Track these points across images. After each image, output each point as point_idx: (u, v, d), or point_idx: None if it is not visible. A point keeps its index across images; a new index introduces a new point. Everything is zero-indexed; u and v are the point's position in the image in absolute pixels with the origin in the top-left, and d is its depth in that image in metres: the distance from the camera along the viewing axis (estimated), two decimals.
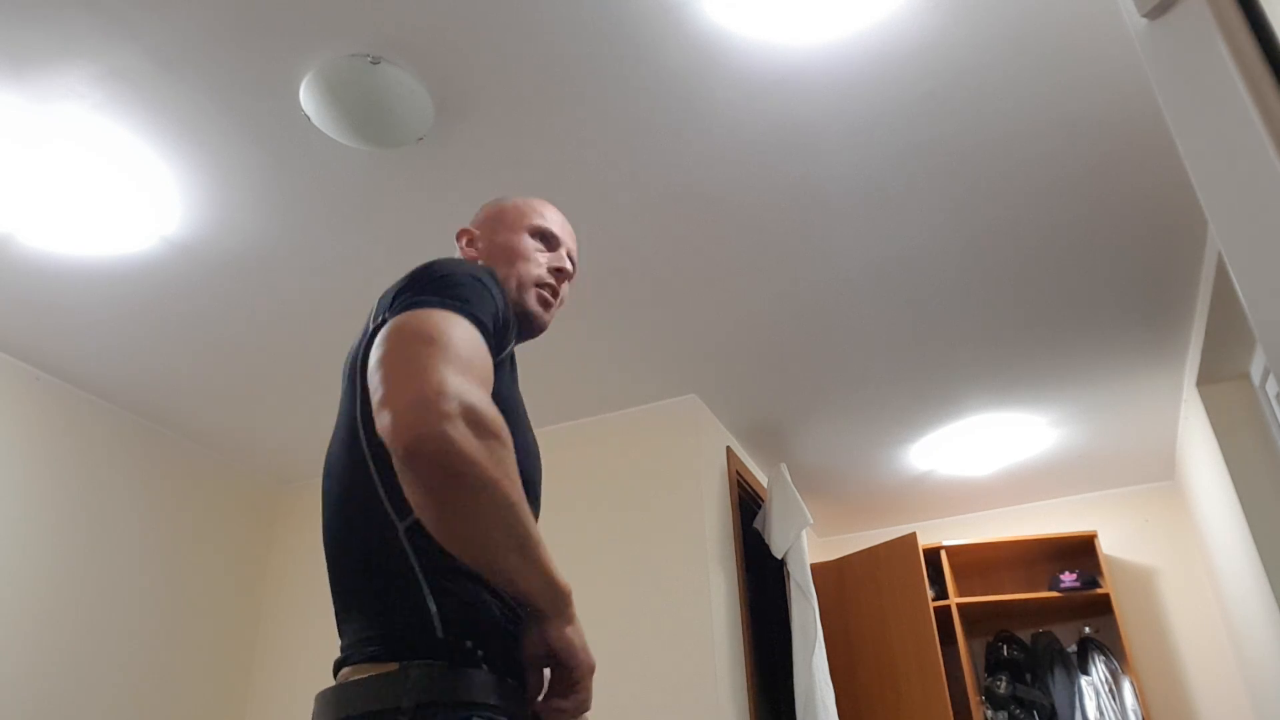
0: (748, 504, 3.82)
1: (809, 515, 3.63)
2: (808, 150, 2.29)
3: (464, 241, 1.37)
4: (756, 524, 3.76)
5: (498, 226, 1.36)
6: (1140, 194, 2.49)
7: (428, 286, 1.06)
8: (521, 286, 1.30)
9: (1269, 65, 0.82)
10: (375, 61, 1.95)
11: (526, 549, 0.94)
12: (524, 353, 3.05)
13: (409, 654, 0.96)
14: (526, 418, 1.20)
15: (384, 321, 1.03)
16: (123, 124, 2.10)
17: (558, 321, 2.95)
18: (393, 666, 0.95)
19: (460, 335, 0.99)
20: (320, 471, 3.99)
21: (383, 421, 0.90)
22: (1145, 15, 0.97)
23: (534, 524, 0.96)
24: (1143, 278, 2.87)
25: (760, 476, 4.09)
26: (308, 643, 3.65)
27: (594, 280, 2.76)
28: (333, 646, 3.61)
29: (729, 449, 3.68)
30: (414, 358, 0.93)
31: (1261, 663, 3.47)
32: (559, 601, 0.98)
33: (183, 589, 3.45)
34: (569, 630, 0.99)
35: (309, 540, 3.89)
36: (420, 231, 2.52)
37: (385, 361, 0.95)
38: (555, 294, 1.34)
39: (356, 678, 0.97)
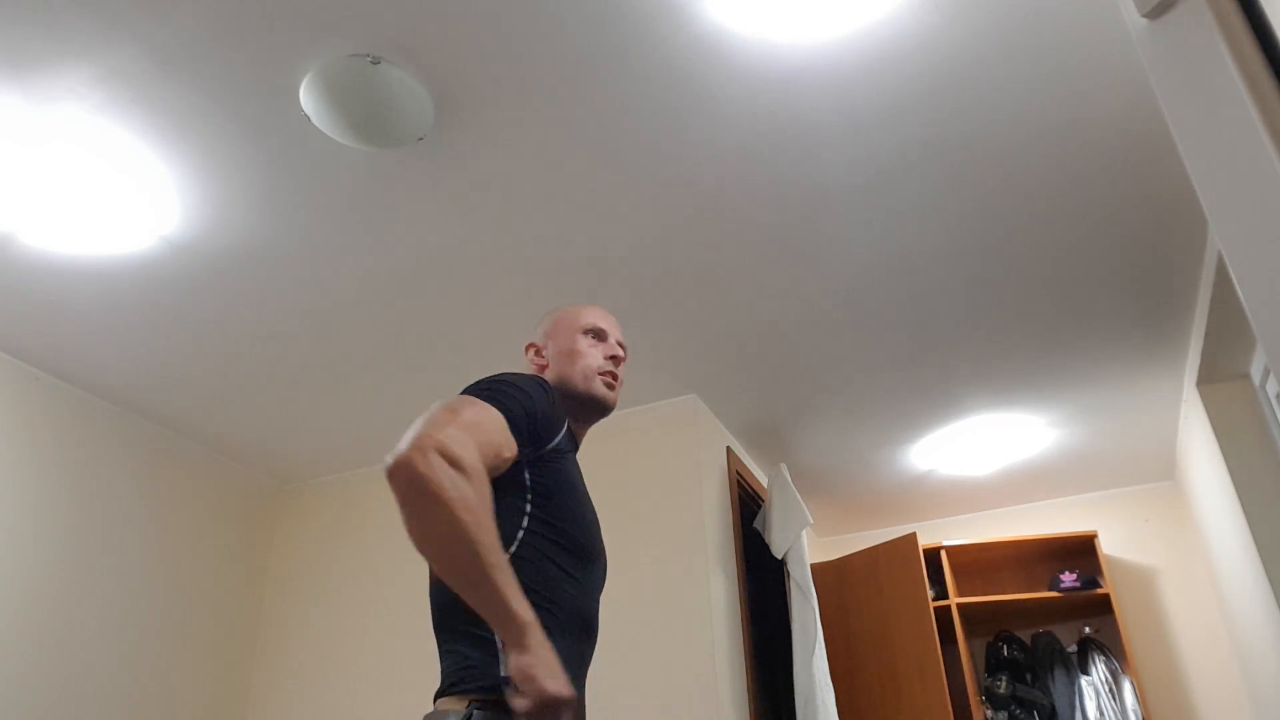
0: (748, 504, 3.82)
1: (809, 515, 3.63)
2: (808, 150, 2.29)
3: (531, 353, 1.68)
4: (756, 524, 3.75)
5: (556, 335, 1.65)
6: (1140, 194, 2.48)
7: (475, 385, 1.40)
8: (587, 378, 1.59)
9: (1269, 65, 0.82)
10: (375, 61, 1.95)
11: (478, 575, 1.12)
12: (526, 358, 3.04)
13: (476, 692, 1.22)
14: (587, 498, 1.49)
15: None
16: (122, 124, 2.10)
17: None
18: (461, 704, 1.21)
19: (475, 411, 1.28)
20: (319, 471, 4.00)
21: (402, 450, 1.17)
22: (1145, 15, 0.97)
23: (494, 554, 1.13)
24: (1143, 278, 2.87)
25: (760, 476, 4.09)
26: (308, 643, 3.65)
27: (594, 280, 2.76)
28: (332, 647, 3.62)
29: (729, 449, 3.68)
30: (430, 418, 1.21)
31: (1261, 663, 3.46)
32: (513, 632, 1.12)
33: (183, 589, 3.45)
34: (525, 659, 1.11)
35: (309, 540, 3.90)
36: (420, 231, 2.52)
37: (417, 420, 1.23)
38: (615, 377, 1.63)
39: (432, 709, 1.26)
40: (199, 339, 2.95)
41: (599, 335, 1.65)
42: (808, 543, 3.94)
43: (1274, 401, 2.98)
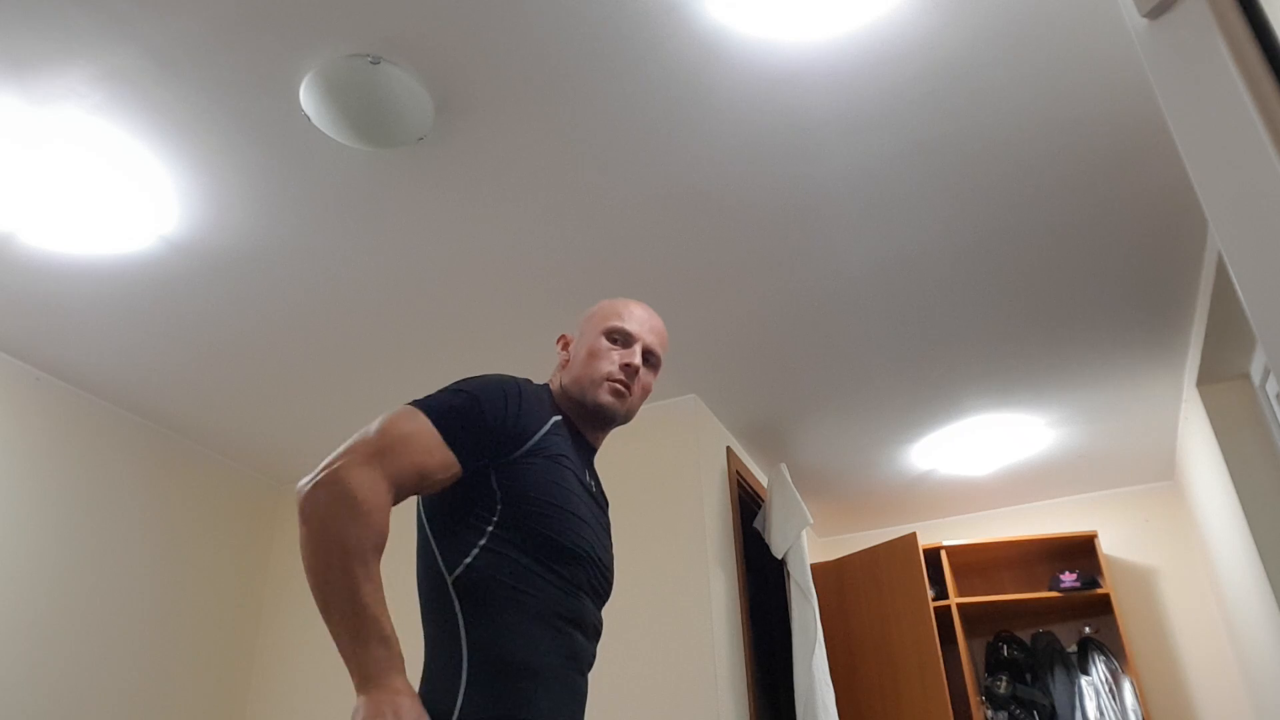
0: (748, 504, 3.82)
1: (809, 515, 3.63)
2: (808, 150, 2.29)
3: (559, 346, 1.61)
4: (756, 524, 3.75)
5: (584, 330, 1.58)
6: (1140, 194, 2.48)
7: (431, 395, 1.35)
8: (592, 384, 1.50)
9: (1269, 65, 0.82)
10: (375, 61, 1.95)
11: (333, 611, 1.14)
12: (527, 358, 3.05)
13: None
14: (580, 499, 1.40)
15: None
16: (122, 124, 2.10)
17: (558, 323, 2.95)
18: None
19: (404, 431, 1.27)
20: None
21: (311, 475, 1.22)
22: (1145, 15, 0.97)
23: (356, 595, 1.14)
24: (1143, 278, 2.87)
25: (760, 476, 4.09)
26: (308, 642, 3.65)
27: (594, 280, 2.76)
28: (332, 647, 3.60)
29: (729, 449, 3.68)
30: (352, 442, 1.24)
31: (1261, 663, 3.46)
32: (355, 675, 1.13)
33: (183, 589, 3.45)
34: (362, 703, 1.11)
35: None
36: (420, 231, 2.52)
37: (353, 439, 1.26)
38: (627, 386, 1.52)
39: None
40: (199, 339, 2.95)
41: (623, 339, 1.54)
42: (808, 543, 3.94)
43: (1274, 401, 2.98)
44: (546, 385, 1.55)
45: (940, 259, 2.73)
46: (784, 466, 3.74)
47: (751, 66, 2.03)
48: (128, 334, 2.90)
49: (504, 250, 2.61)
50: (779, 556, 3.59)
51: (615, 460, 3.46)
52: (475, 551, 1.28)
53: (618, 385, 1.50)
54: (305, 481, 1.21)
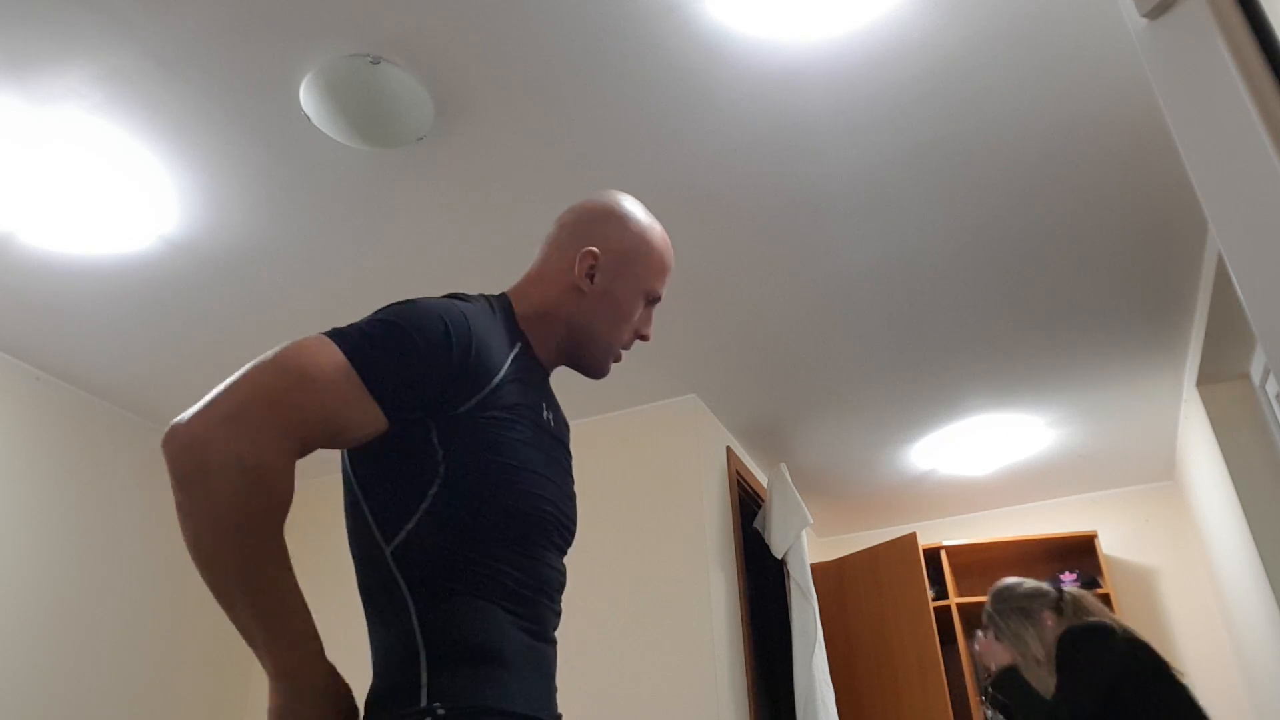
0: (748, 504, 3.82)
1: (809, 515, 3.63)
2: (808, 150, 2.29)
3: (586, 265, 1.24)
4: (756, 524, 3.75)
5: (626, 270, 1.26)
6: (1140, 194, 2.48)
7: (360, 321, 1.05)
8: (608, 349, 1.27)
9: (1269, 65, 0.82)
10: (375, 61, 1.95)
11: (234, 598, 0.94)
12: None
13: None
14: (540, 454, 1.14)
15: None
16: (122, 124, 2.10)
17: None
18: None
19: (309, 366, 0.97)
20: (319, 471, 3.99)
21: (186, 413, 0.94)
22: (1145, 15, 0.97)
23: (267, 583, 0.93)
24: (1143, 278, 2.87)
25: (760, 476, 4.09)
26: None
27: None
28: (332, 647, 3.61)
29: (729, 449, 3.68)
30: (241, 375, 0.95)
31: (1261, 663, 3.46)
32: (269, 667, 0.95)
33: (182, 589, 3.45)
34: (273, 703, 0.95)
35: (308, 540, 3.89)
36: (420, 231, 2.52)
37: (245, 369, 0.96)
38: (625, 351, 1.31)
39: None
40: (198, 339, 2.95)
41: (654, 302, 1.31)
42: (808, 543, 3.94)
43: (1274, 401, 2.98)
44: (503, 298, 1.26)
45: (940, 258, 2.73)
46: (784, 466, 3.74)
47: (751, 66, 2.03)
48: (128, 334, 2.90)
49: (504, 250, 2.61)
50: (779, 556, 3.59)
51: (616, 460, 3.47)
52: (417, 517, 1.03)
53: (621, 356, 1.30)
54: (181, 427, 0.93)
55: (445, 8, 1.86)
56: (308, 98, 2.02)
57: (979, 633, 2.53)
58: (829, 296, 2.89)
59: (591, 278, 1.24)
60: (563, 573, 1.18)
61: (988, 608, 2.49)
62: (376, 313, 1.07)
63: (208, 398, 0.94)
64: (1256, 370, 3.09)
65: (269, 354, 0.97)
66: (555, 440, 1.21)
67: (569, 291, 1.25)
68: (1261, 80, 0.82)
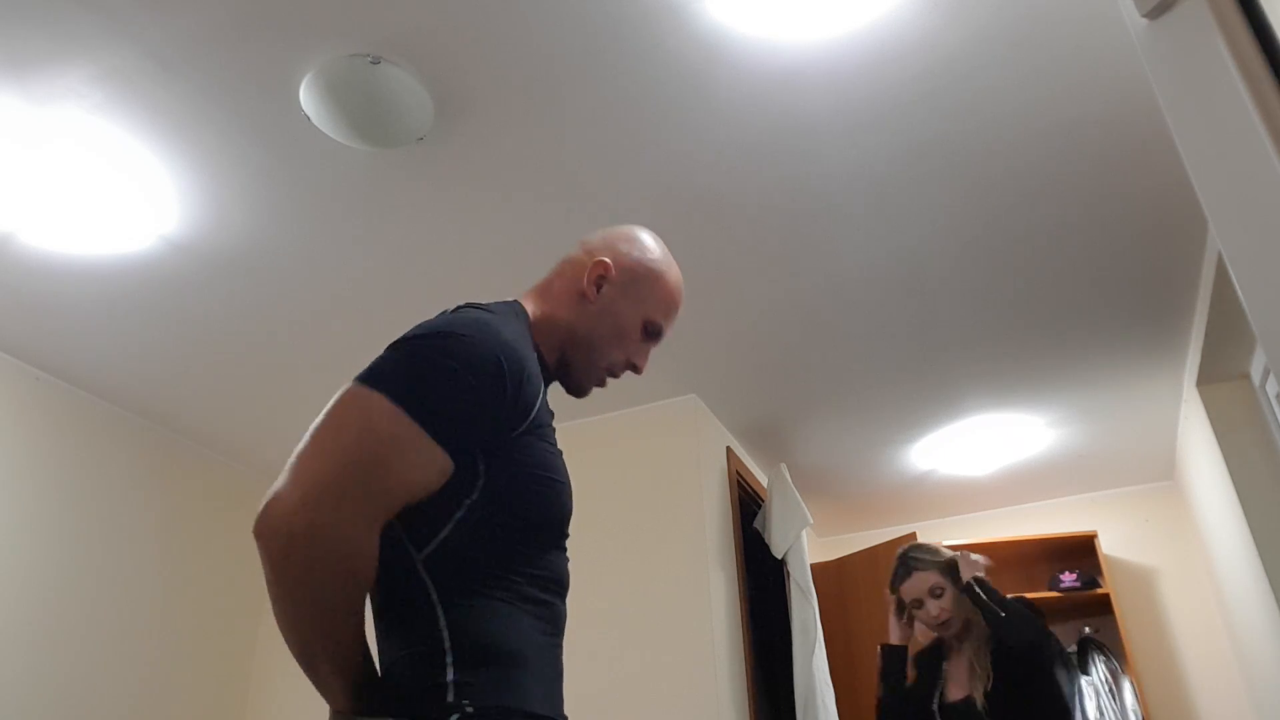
0: (748, 504, 3.82)
1: (809, 515, 3.63)
2: (808, 150, 2.28)
3: (594, 275, 1.30)
4: (756, 524, 3.75)
5: (632, 290, 1.31)
6: (1140, 194, 2.48)
7: (397, 361, 1.06)
8: (595, 369, 1.30)
9: (1269, 65, 0.82)
10: (375, 61, 1.95)
11: (319, 664, 0.99)
12: None
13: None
14: (559, 466, 1.19)
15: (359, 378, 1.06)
16: (122, 124, 2.10)
17: None
18: None
19: (381, 441, 1.00)
20: None
21: (266, 498, 0.98)
22: (1145, 15, 0.97)
23: (348, 651, 0.99)
24: (1143, 278, 2.87)
25: (760, 476, 4.09)
26: None
27: None
28: None
29: (729, 449, 3.68)
30: (314, 460, 0.99)
31: (1261, 663, 3.46)
32: (335, 706, 1.02)
33: (182, 589, 3.45)
34: None
35: None
36: (420, 231, 2.52)
37: (311, 434, 1.02)
38: (607, 383, 1.34)
39: None
40: (198, 339, 2.95)
41: (654, 336, 1.35)
42: (808, 543, 3.94)
43: (1274, 401, 2.98)
44: (522, 313, 1.28)
45: (940, 259, 2.73)
46: (784, 466, 3.74)
47: (751, 66, 2.03)
48: (128, 334, 2.90)
49: (503, 250, 2.61)
50: (779, 556, 3.59)
51: (616, 460, 3.47)
52: (450, 526, 1.06)
53: (606, 377, 1.33)
54: (275, 515, 0.96)
55: (445, 8, 1.86)
56: (308, 98, 2.02)
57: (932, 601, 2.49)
58: (829, 296, 2.89)
59: (599, 288, 1.29)
60: (568, 570, 1.23)
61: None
62: (422, 340, 1.09)
63: (293, 478, 0.98)
64: (1256, 370, 3.09)
65: (337, 420, 1.02)
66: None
67: (575, 298, 1.30)
68: (1261, 80, 0.82)
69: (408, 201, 2.40)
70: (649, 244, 1.36)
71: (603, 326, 1.29)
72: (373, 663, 1.05)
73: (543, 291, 1.34)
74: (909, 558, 2.53)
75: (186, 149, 2.19)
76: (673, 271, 1.37)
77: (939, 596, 2.46)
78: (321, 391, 3.62)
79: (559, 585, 1.16)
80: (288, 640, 0.99)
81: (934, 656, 2.50)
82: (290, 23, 1.87)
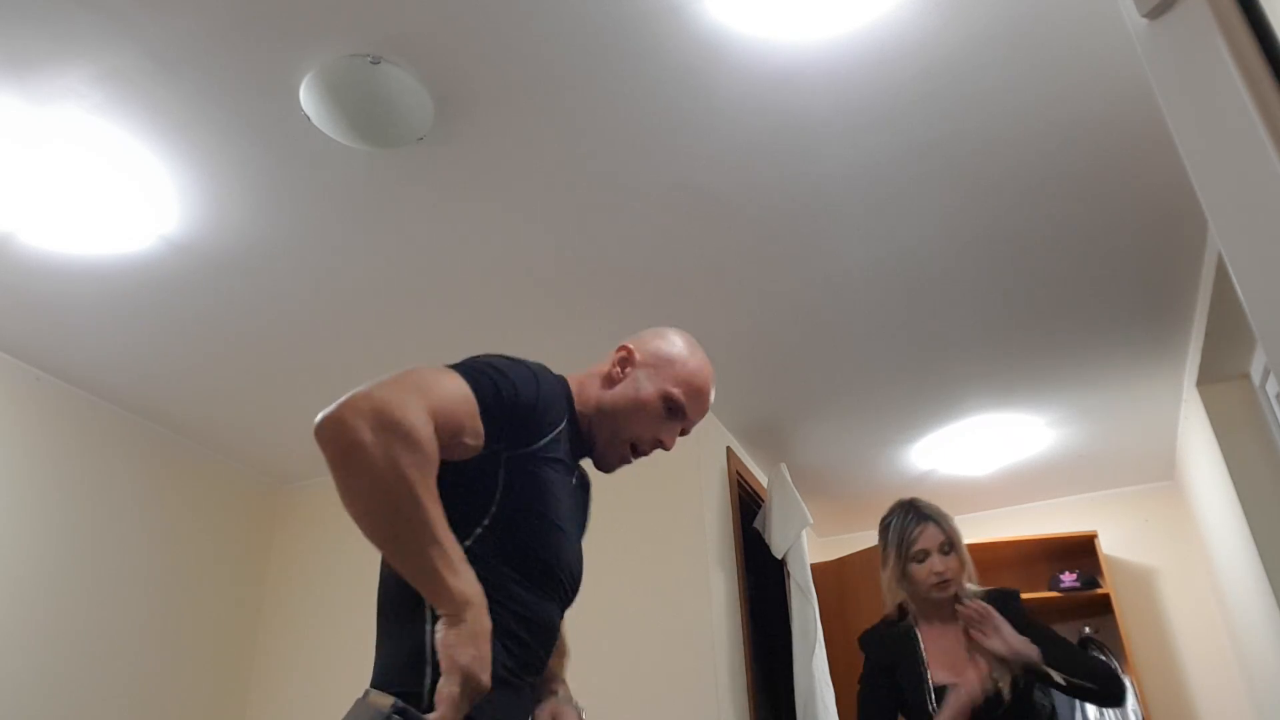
0: (748, 504, 3.82)
1: (809, 515, 3.63)
2: (808, 150, 2.28)
3: (618, 357, 1.46)
4: (756, 524, 3.75)
5: (653, 371, 1.44)
6: (1140, 194, 2.48)
7: (456, 364, 1.26)
8: (619, 443, 1.43)
9: (1269, 65, 0.82)
10: (375, 61, 1.95)
11: (412, 546, 1.06)
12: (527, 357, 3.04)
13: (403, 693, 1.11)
14: (570, 517, 1.34)
15: None
16: (122, 124, 2.10)
17: (558, 324, 2.95)
18: (388, 701, 1.09)
19: (435, 378, 1.17)
20: (319, 471, 3.99)
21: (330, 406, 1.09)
22: (1145, 15, 0.97)
23: (430, 526, 1.06)
24: (1143, 278, 2.87)
25: (760, 476, 4.09)
26: (307, 643, 3.65)
27: (594, 280, 2.76)
28: (332, 646, 3.61)
29: (729, 449, 3.68)
30: (376, 381, 1.11)
31: (1261, 663, 3.46)
32: (445, 604, 1.07)
33: (182, 589, 3.45)
34: (451, 633, 1.05)
35: (308, 541, 3.89)
36: (420, 231, 2.52)
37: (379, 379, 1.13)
38: (634, 458, 1.45)
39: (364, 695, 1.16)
40: (199, 338, 2.95)
41: (678, 414, 1.45)
42: (808, 543, 3.94)
43: (1274, 401, 2.98)
44: (564, 379, 1.44)
45: (940, 259, 2.73)
46: (784, 466, 3.74)
47: (751, 66, 2.03)
48: (128, 334, 2.90)
49: (504, 250, 2.61)
50: (779, 556, 3.59)
51: None
52: (464, 545, 1.17)
53: (629, 456, 1.45)
54: (335, 412, 1.06)
55: (445, 8, 1.86)
56: (308, 98, 2.02)
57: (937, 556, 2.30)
58: (829, 296, 2.89)
59: (623, 368, 1.44)
60: (558, 626, 1.35)
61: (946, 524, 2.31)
62: (478, 358, 1.29)
63: (355, 393, 1.09)
64: (1256, 370, 3.09)
65: (397, 373, 1.14)
66: (578, 500, 1.42)
67: (603, 380, 1.45)
68: (1261, 80, 0.82)
69: (408, 201, 2.40)
70: (674, 337, 1.50)
71: (624, 401, 1.42)
72: (463, 556, 1.10)
73: (585, 377, 1.48)
74: (919, 505, 2.33)
75: (186, 149, 2.19)
76: (697, 358, 1.48)
77: (947, 554, 2.29)
78: (322, 391, 3.62)
79: (544, 632, 1.27)
80: (375, 533, 1.07)
81: (905, 630, 2.44)
82: (290, 23, 1.87)
